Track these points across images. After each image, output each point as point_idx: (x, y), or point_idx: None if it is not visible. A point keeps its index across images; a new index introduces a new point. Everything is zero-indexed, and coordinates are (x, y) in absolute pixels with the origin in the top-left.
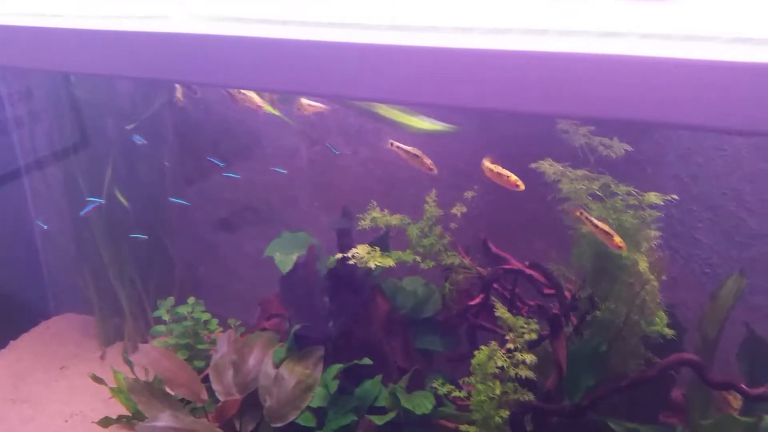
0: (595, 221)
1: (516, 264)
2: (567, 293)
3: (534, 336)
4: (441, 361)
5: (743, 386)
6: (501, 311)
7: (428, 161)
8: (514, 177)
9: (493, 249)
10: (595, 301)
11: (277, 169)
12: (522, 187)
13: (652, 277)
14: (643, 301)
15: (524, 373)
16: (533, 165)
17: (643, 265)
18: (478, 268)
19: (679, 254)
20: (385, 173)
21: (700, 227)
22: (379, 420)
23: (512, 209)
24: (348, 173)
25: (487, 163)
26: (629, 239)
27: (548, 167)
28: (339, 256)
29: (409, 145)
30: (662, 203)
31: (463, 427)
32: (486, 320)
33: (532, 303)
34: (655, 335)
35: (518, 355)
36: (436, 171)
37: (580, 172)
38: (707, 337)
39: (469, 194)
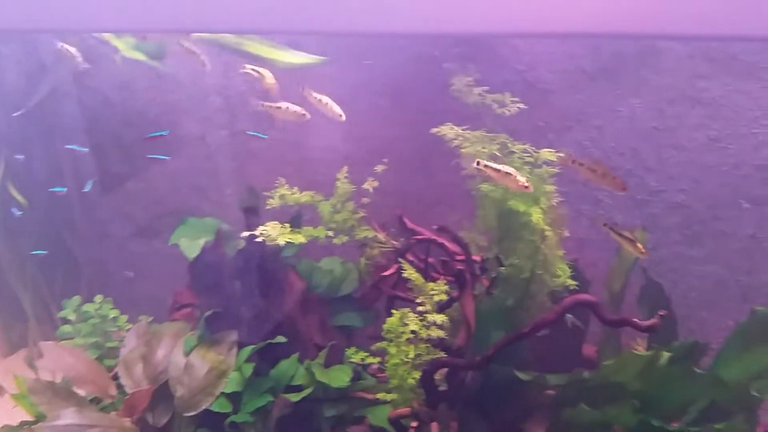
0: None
1: (428, 235)
2: (478, 256)
3: (444, 297)
4: (363, 337)
5: (635, 320)
6: (409, 273)
7: (522, 180)
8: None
9: (408, 223)
10: (500, 260)
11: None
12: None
13: (547, 229)
14: (545, 256)
15: (435, 333)
16: (434, 130)
17: (537, 217)
18: (393, 242)
19: (586, 216)
20: (297, 155)
21: (602, 188)
22: (294, 397)
23: (426, 183)
24: (258, 158)
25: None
26: (528, 196)
27: (449, 131)
28: (246, 234)
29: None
30: (555, 160)
31: (380, 394)
32: (403, 291)
33: (444, 265)
34: (559, 288)
35: (429, 317)
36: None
37: (477, 133)
38: (613, 291)
39: (379, 168)
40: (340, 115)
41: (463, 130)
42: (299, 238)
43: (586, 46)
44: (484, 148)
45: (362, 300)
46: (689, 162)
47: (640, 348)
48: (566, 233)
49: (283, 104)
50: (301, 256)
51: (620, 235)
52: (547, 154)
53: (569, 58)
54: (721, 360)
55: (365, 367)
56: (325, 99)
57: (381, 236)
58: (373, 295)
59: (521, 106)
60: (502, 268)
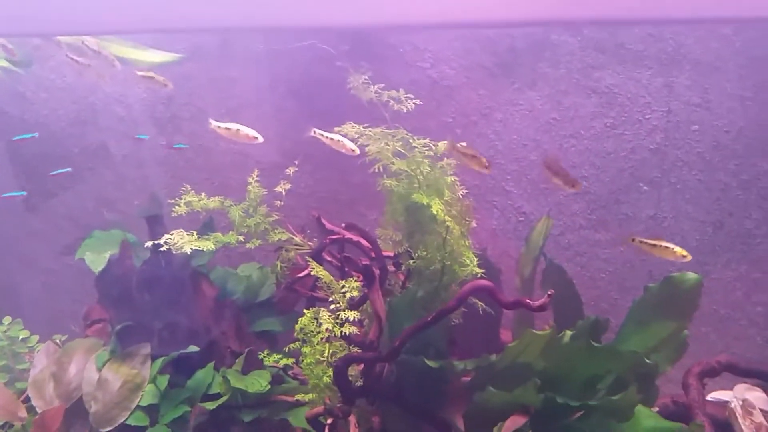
0: (328, 134)
1: (344, 234)
2: (391, 252)
3: (356, 293)
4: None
5: (528, 300)
6: (317, 271)
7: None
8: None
9: (327, 224)
10: (410, 254)
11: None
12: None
13: (449, 220)
14: (452, 247)
15: (349, 330)
16: (336, 129)
17: (437, 208)
18: (310, 243)
19: (496, 207)
20: (207, 162)
21: (509, 179)
22: (210, 405)
23: (342, 184)
24: (166, 165)
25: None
26: (431, 189)
27: (350, 129)
28: (150, 244)
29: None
30: (446, 149)
31: (298, 396)
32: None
33: (360, 263)
34: (468, 277)
35: (342, 314)
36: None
37: (378, 130)
38: (524, 276)
39: (290, 170)
40: (353, 150)
41: (364, 127)
42: (207, 245)
43: (482, 41)
44: (387, 144)
45: (281, 304)
46: (588, 150)
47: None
48: (474, 224)
49: (234, 126)
50: (238, 263)
51: (654, 246)
52: (444, 146)
53: (468, 53)
54: (620, 335)
55: (286, 370)
56: (336, 137)
57: (297, 238)
58: (292, 298)
59: (417, 102)
60: (412, 261)
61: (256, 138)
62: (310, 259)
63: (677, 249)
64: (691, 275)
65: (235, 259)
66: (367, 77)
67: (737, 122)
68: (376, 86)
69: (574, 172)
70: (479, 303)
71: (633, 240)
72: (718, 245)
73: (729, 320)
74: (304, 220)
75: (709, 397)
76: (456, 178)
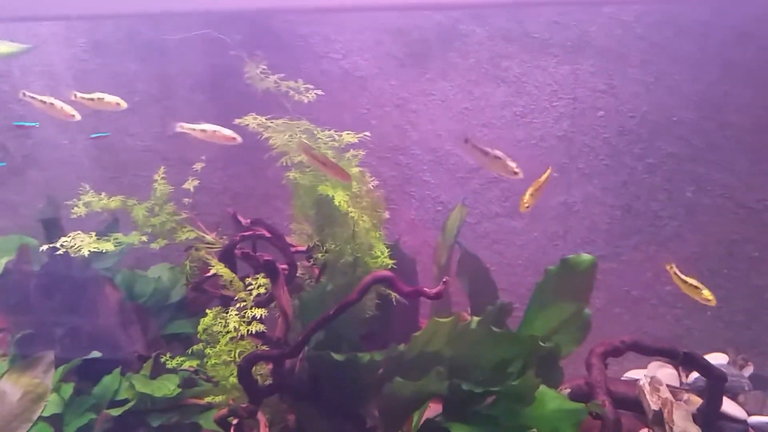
0: (196, 126)
1: (255, 231)
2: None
3: (263, 290)
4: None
5: (425, 289)
6: (218, 269)
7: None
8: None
9: (243, 220)
10: (318, 246)
11: None
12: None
13: (353, 211)
14: (362, 238)
15: (255, 328)
16: (237, 121)
17: (340, 199)
18: (222, 241)
19: (414, 197)
20: (114, 160)
21: (426, 169)
22: (115, 412)
23: (256, 178)
24: (70, 165)
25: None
26: (338, 181)
27: (252, 121)
28: (46, 248)
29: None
30: (357, 140)
31: (208, 398)
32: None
33: (261, 259)
34: (381, 268)
35: (249, 312)
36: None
37: (280, 121)
38: (440, 265)
39: (198, 166)
40: (234, 138)
41: (266, 119)
42: (107, 247)
43: (393, 32)
44: (291, 136)
45: (193, 305)
46: (500, 138)
47: (467, 317)
48: (387, 215)
49: (210, 127)
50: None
51: (684, 282)
52: (348, 137)
53: (379, 44)
54: (525, 319)
55: (199, 372)
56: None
57: (208, 236)
58: (203, 298)
59: (318, 92)
60: (320, 255)
61: (235, 138)
62: (210, 257)
63: (705, 291)
64: (586, 256)
65: (157, 260)
66: (264, 67)
67: (641, 107)
68: (275, 76)
69: None
70: (393, 294)
71: (670, 267)
72: (627, 228)
73: (641, 300)
74: (220, 218)
75: (624, 377)
76: (365, 170)
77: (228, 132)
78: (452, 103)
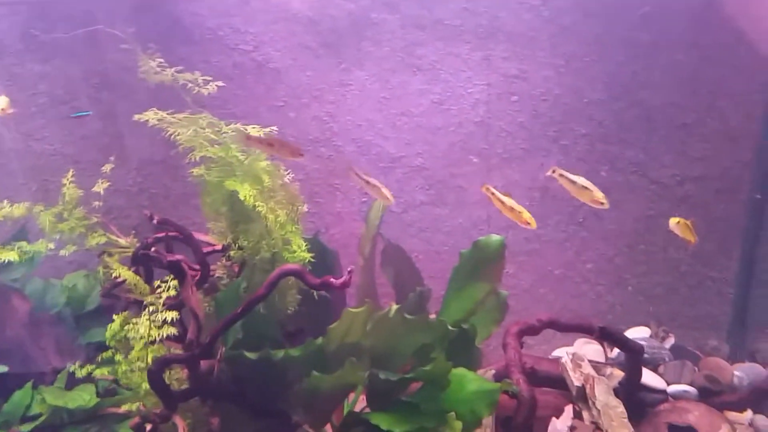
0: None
1: (168, 232)
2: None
3: (173, 293)
4: None
5: (332, 279)
6: (120, 273)
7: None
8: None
9: (168, 222)
10: (231, 244)
11: None
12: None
13: (260, 205)
14: (278, 233)
15: (167, 331)
16: (137, 117)
17: (245, 193)
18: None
19: (338, 190)
20: (22, 165)
21: (349, 160)
22: (25, 427)
23: (173, 178)
24: None
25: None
26: (248, 175)
27: (152, 116)
28: None
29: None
30: (263, 135)
31: (125, 406)
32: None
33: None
34: (299, 262)
35: (159, 316)
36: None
37: (182, 116)
38: (365, 255)
39: (107, 168)
40: (388, 199)
41: (168, 114)
42: (11, 256)
43: (304, 22)
44: (196, 130)
45: (109, 312)
46: (420, 126)
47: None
48: (305, 208)
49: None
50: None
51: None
52: (254, 131)
53: (291, 35)
54: (444, 303)
55: (118, 381)
56: (374, 181)
57: (122, 240)
58: (120, 304)
59: (219, 84)
60: (234, 252)
61: (301, 153)
62: (108, 259)
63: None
64: (496, 237)
65: (76, 269)
66: (162, 60)
67: (553, 90)
68: (172, 69)
69: (409, 149)
70: (313, 290)
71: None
72: (547, 209)
73: (564, 279)
74: (138, 220)
75: (551, 355)
76: (278, 163)
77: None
78: (370, 92)
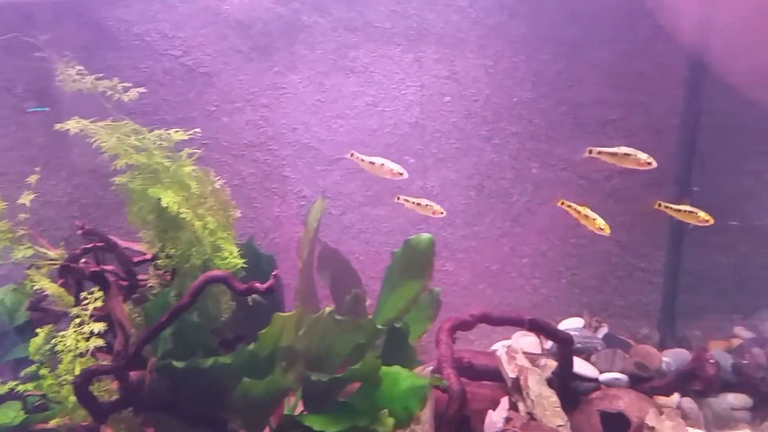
0: None
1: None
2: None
3: (99, 303)
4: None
5: (257, 284)
6: (42, 285)
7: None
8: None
9: (93, 233)
10: (158, 254)
11: None
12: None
13: (185, 212)
14: (208, 240)
15: (95, 343)
16: (58, 126)
17: (168, 199)
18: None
19: (276, 193)
20: None
21: (285, 164)
22: None
23: (103, 188)
24: None
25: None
26: (174, 182)
27: (74, 125)
28: None
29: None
30: (187, 138)
31: (53, 421)
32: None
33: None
34: (231, 268)
35: (86, 328)
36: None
37: (102, 123)
38: (303, 259)
39: (32, 178)
40: (401, 173)
41: (90, 122)
42: None
43: (234, 26)
44: (119, 137)
45: (38, 326)
46: (356, 129)
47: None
48: (238, 213)
49: (378, 160)
50: None
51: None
52: (177, 135)
53: (221, 39)
54: (378, 302)
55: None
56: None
57: (51, 252)
58: (50, 318)
59: (141, 90)
60: (161, 261)
61: (401, 174)
62: (32, 272)
63: (701, 213)
64: (425, 236)
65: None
66: (81, 68)
67: (484, 90)
68: (91, 77)
69: (345, 150)
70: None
71: (659, 205)
72: (482, 206)
73: (501, 274)
74: (69, 231)
75: (490, 348)
76: (207, 169)
77: (396, 167)
78: (304, 95)
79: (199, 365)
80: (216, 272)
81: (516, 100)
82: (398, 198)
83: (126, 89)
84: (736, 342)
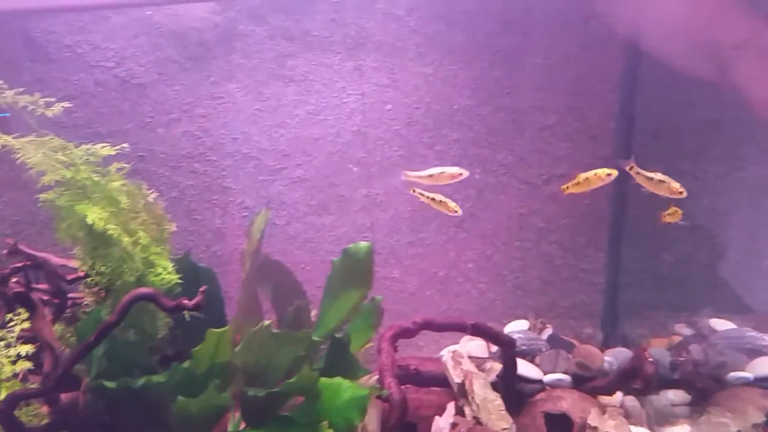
0: None
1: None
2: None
3: (27, 325)
4: None
5: (185, 301)
6: None
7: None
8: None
9: (27, 251)
10: (89, 272)
11: None
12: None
13: (113, 228)
14: (140, 256)
15: (21, 366)
16: None
17: (94, 216)
18: None
19: (217, 205)
20: None
21: (225, 175)
22: None
23: (35, 204)
24: None
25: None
26: (103, 198)
27: None
28: None
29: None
30: (114, 153)
31: None
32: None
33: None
34: (165, 284)
35: (12, 350)
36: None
37: (25, 139)
38: (246, 270)
39: None
40: (461, 173)
41: (13, 137)
42: None
43: (168, 36)
44: (45, 153)
45: None
46: (297, 138)
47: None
48: (173, 227)
49: (436, 170)
50: None
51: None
52: (104, 150)
53: (155, 49)
54: (320, 312)
55: None
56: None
57: None
58: None
59: (66, 105)
60: (91, 279)
61: (461, 174)
62: None
63: (674, 184)
64: (363, 244)
65: None
66: (1, 82)
67: (424, 98)
68: (12, 92)
69: (288, 160)
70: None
71: (631, 168)
72: (427, 213)
73: (448, 280)
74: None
75: (438, 354)
76: (140, 183)
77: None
78: (243, 105)
79: (131, 385)
80: (143, 289)
81: (456, 107)
82: (414, 191)
83: (49, 104)
84: (676, 339)
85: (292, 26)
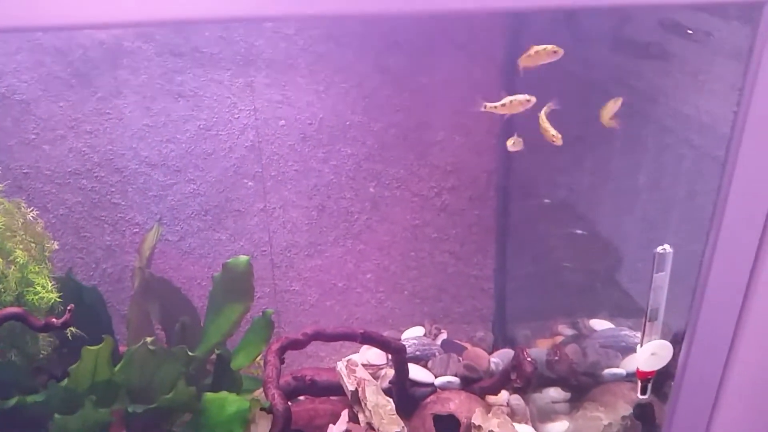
0: None
1: None
2: None
3: None
4: None
5: (54, 319)
6: None
7: None
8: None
9: None
10: None
11: None
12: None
13: None
14: (15, 276)
15: None
16: None
17: None
18: None
19: (106, 222)
20: None
21: (114, 191)
22: None
23: None
24: None
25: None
26: None
27: None
28: None
29: None
30: None
31: None
32: None
33: None
34: (45, 303)
35: None
36: None
37: None
38: (135, 288)
39: None
40: (529, 99)
41: None
42: None
43: (52, 53)
44: None
45: None
46: (189, 153)
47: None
48: (55, 246)
49: (507, 99)
50: None
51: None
52: None
53: (38, 65)
54: (204, 327)
55: None
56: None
57: None
58: None
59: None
60: None
61: (530, 100)
62: None
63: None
64: (242, 258)
65: None
66: None
67: (317, 114)
68: None
69: (180, 176)
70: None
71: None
72: (325, 226)
73: (347, 291)
74: None
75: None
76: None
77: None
78: (130, 120)
79: (3, 406)
80: (11, 309)
81: (349, 124)
82: (485, 107)
83: None
84: (559, 340)
85: (181, 43)
